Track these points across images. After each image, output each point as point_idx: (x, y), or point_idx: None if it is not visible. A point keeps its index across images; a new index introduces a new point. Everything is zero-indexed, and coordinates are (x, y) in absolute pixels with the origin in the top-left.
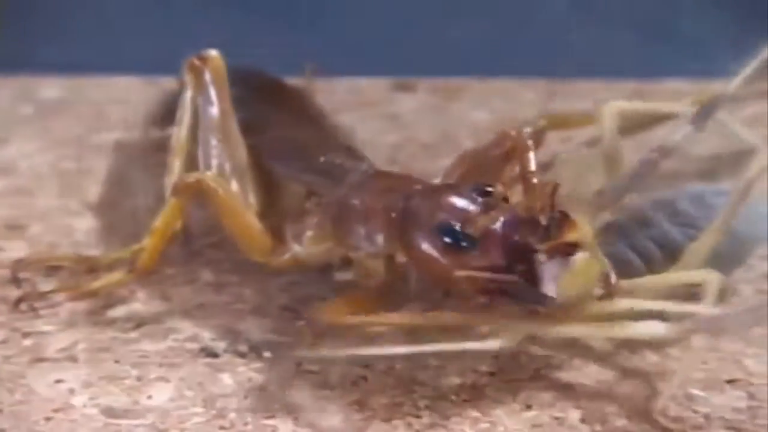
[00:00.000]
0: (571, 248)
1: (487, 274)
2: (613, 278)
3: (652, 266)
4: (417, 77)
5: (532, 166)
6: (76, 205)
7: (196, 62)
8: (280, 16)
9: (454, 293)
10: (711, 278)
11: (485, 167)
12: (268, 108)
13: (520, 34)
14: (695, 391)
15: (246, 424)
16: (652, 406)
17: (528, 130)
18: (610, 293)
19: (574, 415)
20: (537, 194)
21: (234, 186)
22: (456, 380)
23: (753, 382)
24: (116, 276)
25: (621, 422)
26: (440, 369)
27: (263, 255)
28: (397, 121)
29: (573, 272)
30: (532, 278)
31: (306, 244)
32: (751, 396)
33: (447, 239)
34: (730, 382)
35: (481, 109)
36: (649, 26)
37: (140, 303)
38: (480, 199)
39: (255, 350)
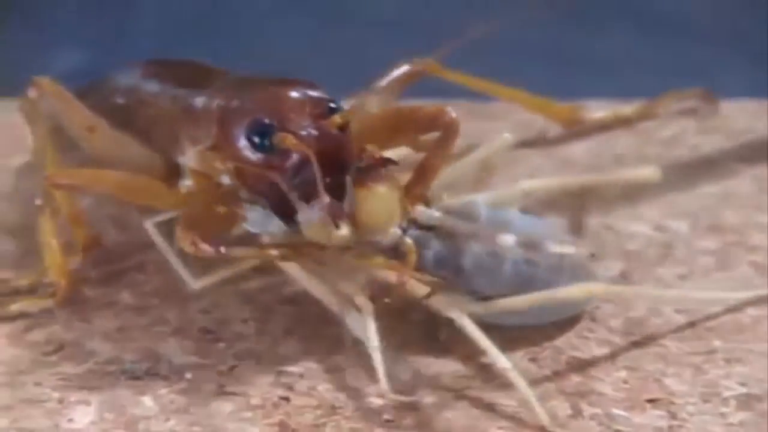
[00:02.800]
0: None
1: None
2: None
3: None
4: None
5: (448, 151)
6: None
7: (31, 94)
8: None
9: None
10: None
11: (404, 124)
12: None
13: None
14: (617, 411)
15: None
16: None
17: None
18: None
19: None
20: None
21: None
22: (378, 401)
23: (674, 401)
24: (37, 299)
25: None
26: (361, 390)
27: (167, 197)
28: None
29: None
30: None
31: (193, 157)
32: (672, 415)
33: (255, 137)
34: (651, 401)
35: None
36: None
37: (60, 326)
38: (314, 117)
39: (176, 372)
